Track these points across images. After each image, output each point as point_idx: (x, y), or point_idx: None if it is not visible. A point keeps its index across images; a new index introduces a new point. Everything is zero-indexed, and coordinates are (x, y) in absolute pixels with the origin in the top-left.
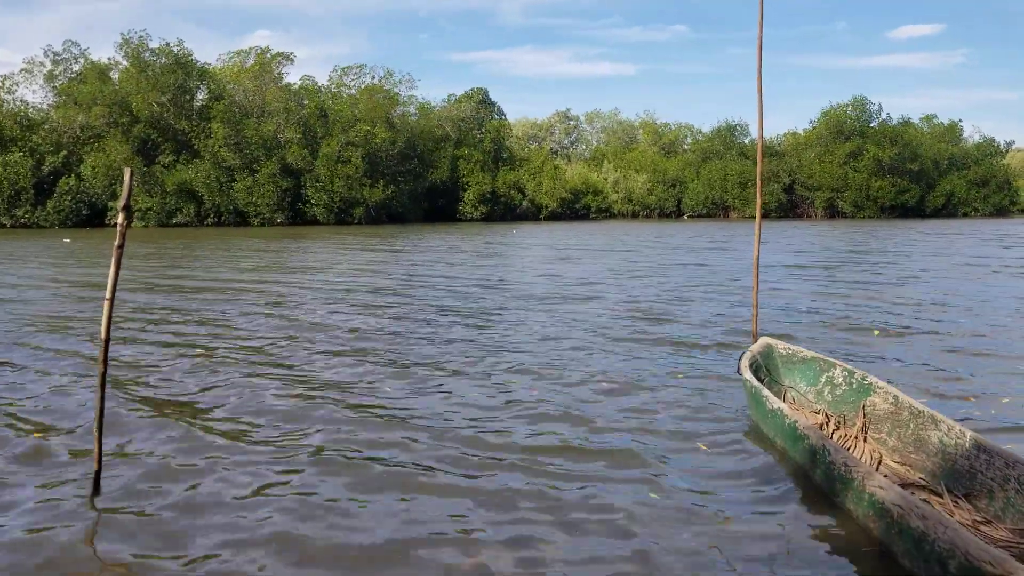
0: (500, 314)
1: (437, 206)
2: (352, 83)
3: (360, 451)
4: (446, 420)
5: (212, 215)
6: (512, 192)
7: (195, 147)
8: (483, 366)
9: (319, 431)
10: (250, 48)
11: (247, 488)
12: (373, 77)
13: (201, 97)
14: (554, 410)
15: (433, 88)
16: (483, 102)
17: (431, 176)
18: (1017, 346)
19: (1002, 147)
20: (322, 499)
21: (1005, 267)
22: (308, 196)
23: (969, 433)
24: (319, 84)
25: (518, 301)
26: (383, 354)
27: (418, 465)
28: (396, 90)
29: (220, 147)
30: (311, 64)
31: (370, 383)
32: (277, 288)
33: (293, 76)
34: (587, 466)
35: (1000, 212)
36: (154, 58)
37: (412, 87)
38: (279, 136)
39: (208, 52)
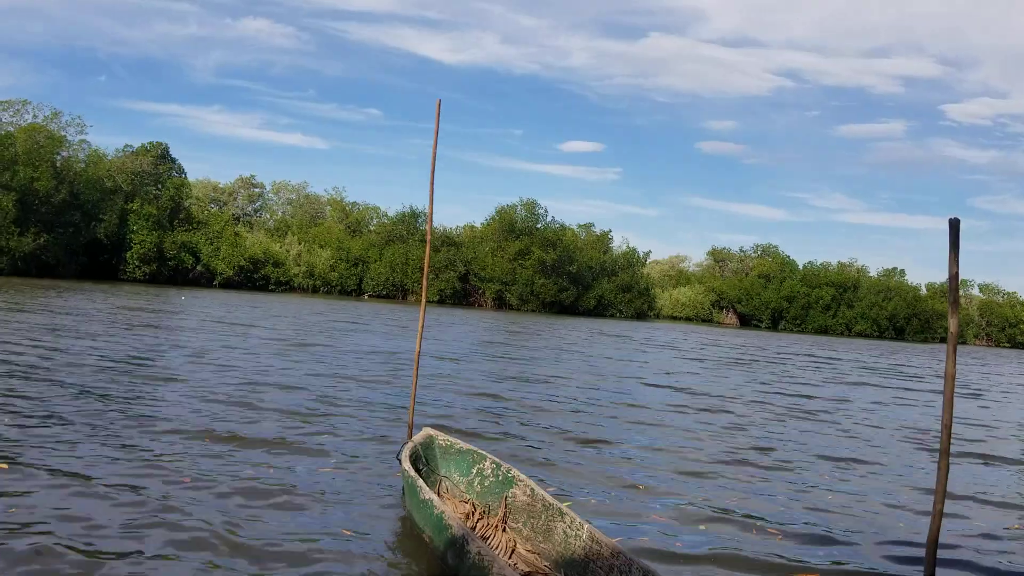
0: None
1: (99, 260)
2: (10, 120)
3: None
4: None
5: None
6: (184, 254)
7: None
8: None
9: None
10: None
11: None
12: (36, 116)
13: None
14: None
15: (106, 136)
16: (163, 157)
17: (96, 229)
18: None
19: (642, 257)
20: None
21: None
22: None
23: (587, 526)
24: None
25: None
26: None
27: None
28: (63, 132)
29: None
30: None
31: None
32: None
33: None
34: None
35: (640, 316)
36: None
37: (82, 132)
38: None
39: None
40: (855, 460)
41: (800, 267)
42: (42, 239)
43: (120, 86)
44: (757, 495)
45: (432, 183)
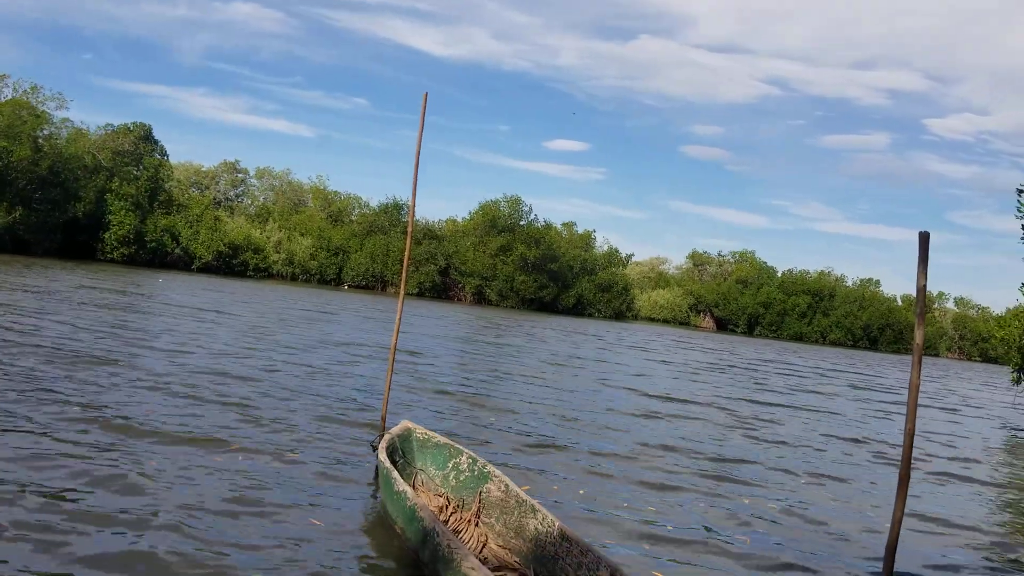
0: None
1: (76, 240)
2: None
3: None
4: None
5: None
6: (164, 237)
7: None
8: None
9: None
10: None
11: None
12: (16, 90)
13: None
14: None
15: (89, 113)
16: (145, 138)
17: (75, 208)
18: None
19: (624, 258)
20: None
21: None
22: None
23: (557, 523)
24: None
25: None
26: None
27: None
28: (44, 107)
29: None
30: None
31: None
32: None
33: None
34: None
35: (618, 316)
36: None
37: (63, 107)
38: None
39: None
40: (820, 474)
41: (778, 274)
42: (16, 213)
43: (106, 65)
44: (717, 508)
45: (416, 174)
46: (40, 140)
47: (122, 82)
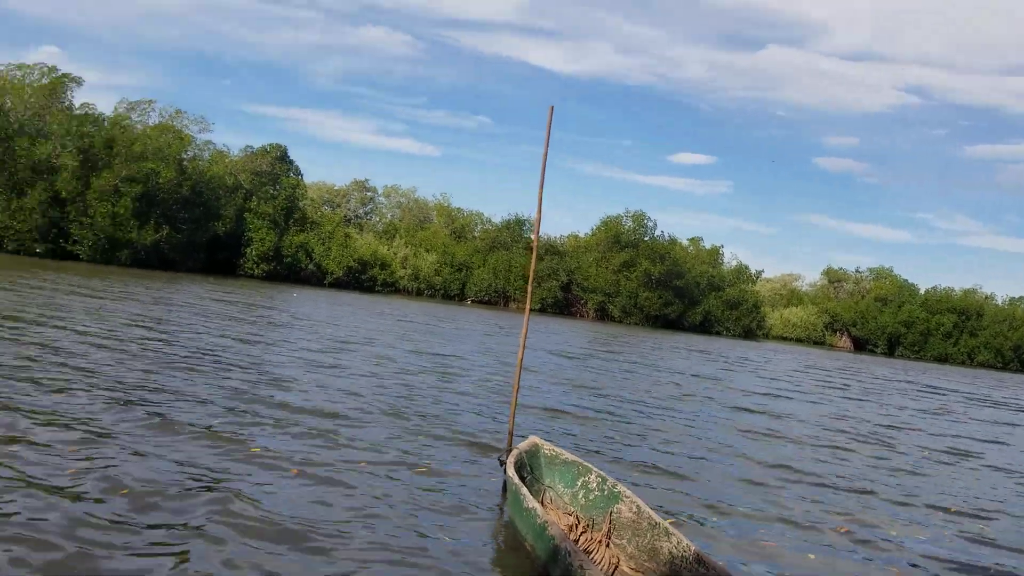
0: (274, 379)
1: (218, 258)
2: (138, 119)
3: None
4: None
5: None
6: (299, 254)
7: None
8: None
9: None
10: (34, 64)
11: None
12: (163, 115)
13: None
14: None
15: (229, 136)
16: (281, 159)
17: (216, 226)
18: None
19: (753, 274)
20: None
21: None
22: (72, 231)
23: (693, 547)
24: (102, 113)
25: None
26: None
27: None
28: (188, 131)
29: None
30: (95, 91)
31: None
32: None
33: (75, 100)
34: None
35: (747, 334)
36: None
37: (206, 130)
38: (53, 161)
39: None
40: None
41: (921, 291)
42: (163, 232)
43: (245, 89)
44: (846, 555)
45: (541, 188)
46: (184, 162)
47: (259, 106)
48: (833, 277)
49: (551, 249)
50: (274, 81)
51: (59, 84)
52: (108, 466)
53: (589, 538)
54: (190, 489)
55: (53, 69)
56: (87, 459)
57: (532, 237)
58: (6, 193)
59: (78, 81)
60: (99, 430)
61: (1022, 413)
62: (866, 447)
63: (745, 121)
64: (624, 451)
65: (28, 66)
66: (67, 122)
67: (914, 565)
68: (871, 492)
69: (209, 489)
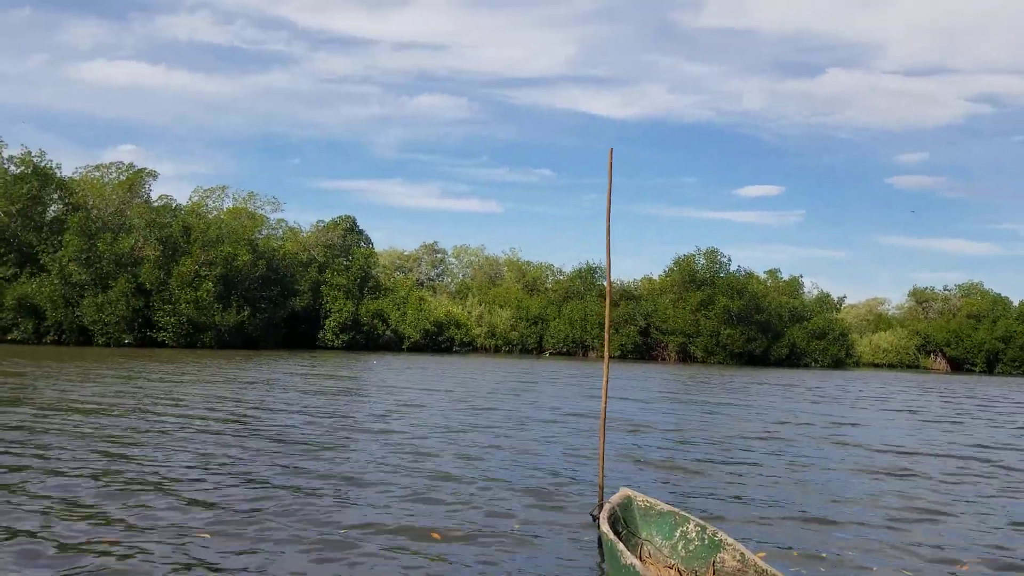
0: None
1: (297, 331)
2: (214, 204)
3: None
4: None
5: (53, 332)
6: (375, 321)
7: (41, 261)
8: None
9: None
10: (111, 163)
11: None
12: (236, 199)
13: (54, 209)
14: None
15: (300, 213)
16: (351, 229)
17: (293, 302)
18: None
19: (836, 302)
20: None
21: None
22: (157, 320)
23: None
24: (178, 203)
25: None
26: None
27: None
28: (261, 212)
29: (70, 260)
30: (171, 182)
31: None
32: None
33: (152, 193)
34: None
35: (837, 364)
36: (8, 167)
37: (278, 209)
38: (136, 253)
39: (65, 162)
40: None
41: (1015, 304)
42: (244, 313)
43: (311, 166)
44: None
45: (608, 231)
46: (258, 241)
47: (327, 180)
48: (920, 297)
49: (626, 294)
50: (339, 155)
51: (136, 179)
52: None
53: None
54: None
55: (131, 166)
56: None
57: (604, 284)
58: (92, 289)
59: (153, 175)
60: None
61: None
62: None
63: (810, 147)
64: (723, 501)
65: (106, 166)
66: (146, 214)
67: None
68: None
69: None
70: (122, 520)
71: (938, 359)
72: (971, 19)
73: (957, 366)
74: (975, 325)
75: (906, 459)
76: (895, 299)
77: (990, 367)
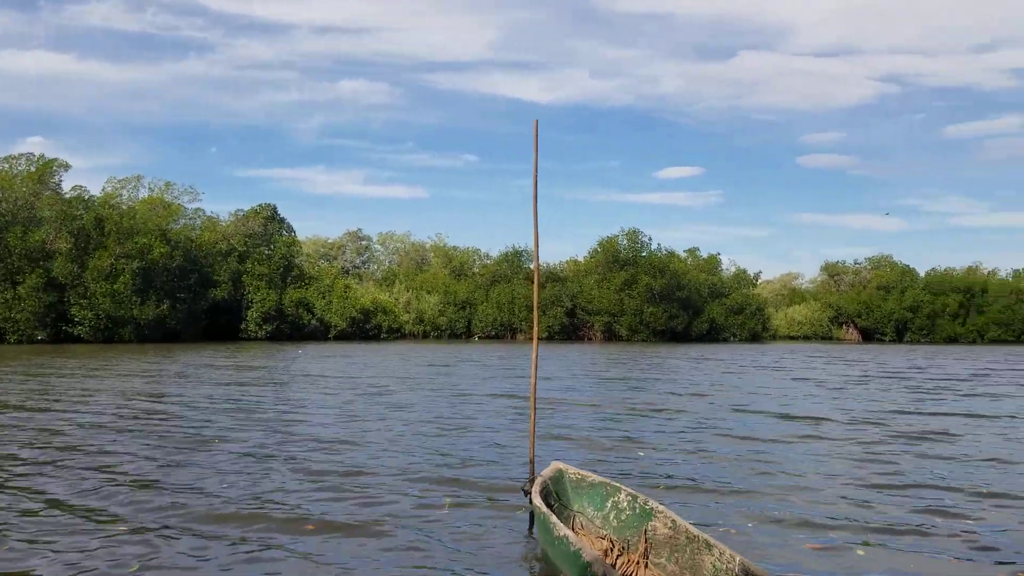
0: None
1: (219, 323)
2: (128, 195)
3: None
4: None
5: None
6: (300, 311)
7: None
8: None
9: None
10: (20, 154)
11: None
12: (152, 189)
13: None
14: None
15: (219, 203)
16: (272, 218)
17: (214, 293)
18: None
19: (753, 278)
20: None
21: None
22: (73, 314)
23: (738, 558)
24: (92, 195)
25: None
26: None
27: None
28: (178, 201)
29: None
30: (85, 173)
31: None
32: None
33: (65, 185)
34: None
35: (755, 338)
36: None
37: (196, 199)
38: (48, 246)
39: None
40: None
41: (922, 275)
42: (163, 306)
43: (231, 154)
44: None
45: (535, 205)
46: (174, 232)
47: (247, 169)
48: (832, 271)
49: (552, 276)
50: (259, 143)
51: (46, 170)
52: None
53: (627, 560)
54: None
55: (41, 157)
56: None
57: (532, 266)
58: (2, 285)
59: (65, 166)
60: None
61: None
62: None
63: (727, 129)
64: (655, 469)
65: (14, 157)
66: (57, 206)
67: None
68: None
69: None
70: None
71: (850, 330)
72: (877, 1)
73: (868, 336)
74: (884, 296)
75: (810, 426)
76: (809, 273)
77: (899, 336)
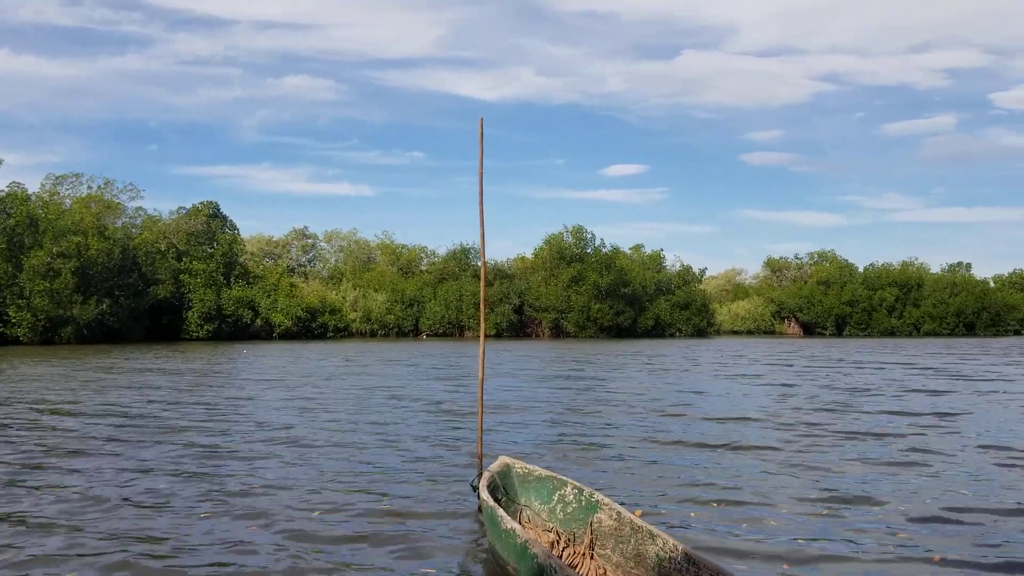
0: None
1: (161, 323)
2: (66, 193)
3: None
4: None
5: None
6: (243, 310)
7: None
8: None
9: None
10: None
11: None
12: (90, 187)
13: None
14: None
15: (162, 201)
16: (214, 216)
17: (154, 290)
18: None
19: (698, 274)
20: None
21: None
22: (9, 315)
23: (681, 547)
24: (29, 192)
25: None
26: None
27: None
28: (118, 199)
29: None
30: (21, 172)
31: None
32: None
33: (1, 182)
34: None
35: (700, 333)
36: None
37: (136, 197)
38: None
39: None
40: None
41: (860, 270)
42: (104, 305)
43: (172, 152)
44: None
45: (481, 202)
46: (112, 230)
47: (189, 167)
48: (774, 267)
49: (500, 273)
50: (201, 140)
51: None
52: None
53: (572, 552)
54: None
55: None
56: None
57: (479, 264)
58: None
59: None
60: None
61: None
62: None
63: (672, 127)
64: (596, 464)
65: None
66: None
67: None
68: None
69: None
70: None
71: (792, 324)
72: (817, 2)
73: (809, 330)
74: (824, 291)
75: (743, 425)
76: (752, 269)
77: (839, 330)
